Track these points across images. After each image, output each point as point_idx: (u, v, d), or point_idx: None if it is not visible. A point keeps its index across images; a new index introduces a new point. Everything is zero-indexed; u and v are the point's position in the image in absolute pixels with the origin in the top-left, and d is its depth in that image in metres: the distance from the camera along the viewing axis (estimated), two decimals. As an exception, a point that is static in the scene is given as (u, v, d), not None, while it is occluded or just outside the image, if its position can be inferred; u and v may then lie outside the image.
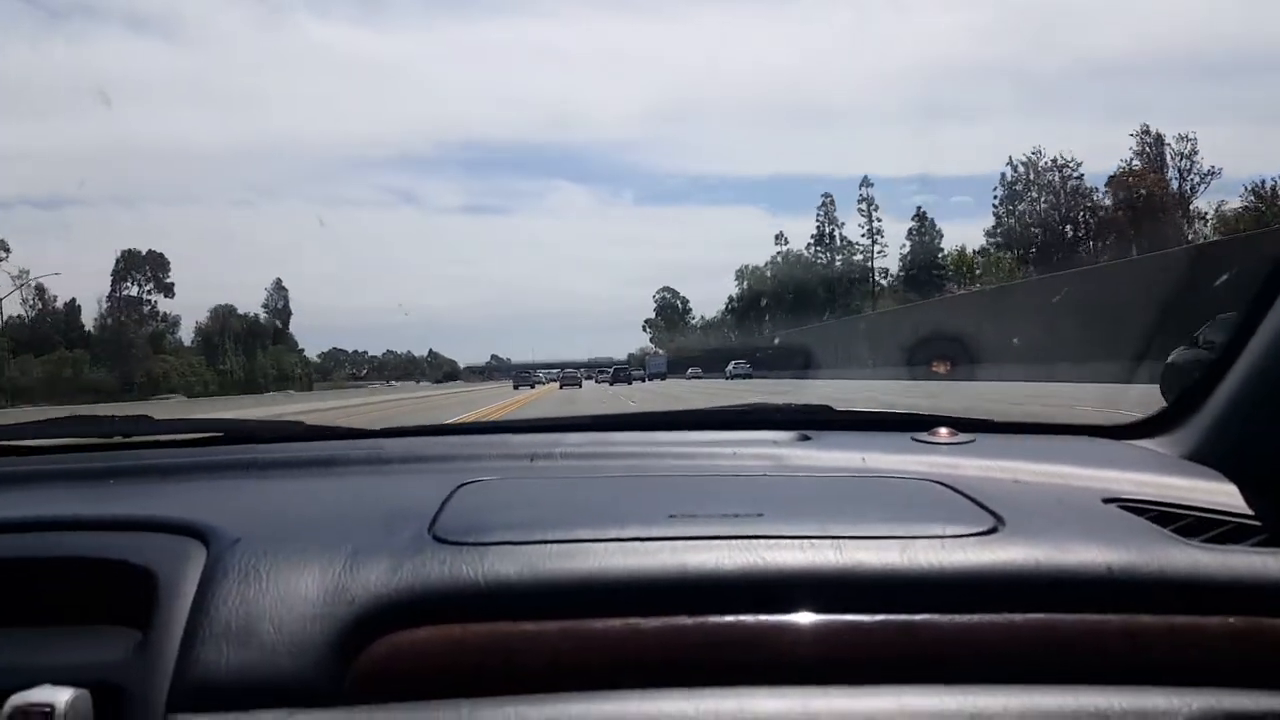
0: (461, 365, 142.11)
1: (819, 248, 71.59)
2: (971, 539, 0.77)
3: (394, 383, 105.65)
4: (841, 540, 0.76)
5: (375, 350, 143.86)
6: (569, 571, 0.74)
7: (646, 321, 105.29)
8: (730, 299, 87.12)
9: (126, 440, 1.17)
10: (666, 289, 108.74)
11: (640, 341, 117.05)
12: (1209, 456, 0.95)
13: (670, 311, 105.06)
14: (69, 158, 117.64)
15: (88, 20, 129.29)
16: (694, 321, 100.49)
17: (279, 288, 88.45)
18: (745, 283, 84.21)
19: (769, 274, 79.92)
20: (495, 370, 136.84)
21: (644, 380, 67.30)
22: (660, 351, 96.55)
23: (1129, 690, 0.69)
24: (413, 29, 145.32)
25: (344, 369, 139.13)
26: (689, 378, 62.23)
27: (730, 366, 55.82)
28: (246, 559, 0.77)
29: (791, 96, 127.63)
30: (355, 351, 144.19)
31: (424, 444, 1.13)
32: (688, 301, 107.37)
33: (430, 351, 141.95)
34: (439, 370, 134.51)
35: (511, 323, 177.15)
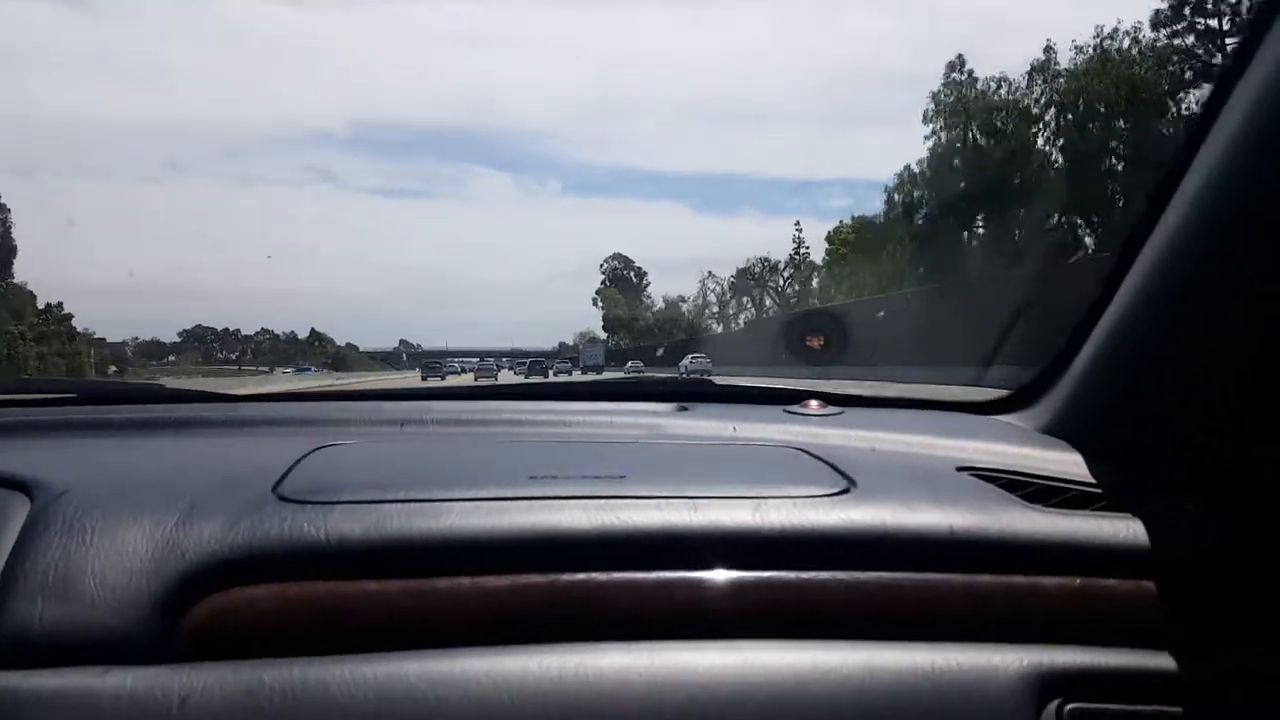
0: (362, 349, 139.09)
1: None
2: (823, 499, 0.86)
3: (273, 370, 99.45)
4: (697, 500, 0.84)
5: (256, 329, 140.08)
6: (417, 530, 0.78)
7: (598, 294, 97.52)
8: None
9: None
10: (618, 256, 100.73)
11: (580, 327, 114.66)
12: (1060, 430, 1.08)
13: (624, 285, 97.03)
14: None
15: None
16: (649, 299, 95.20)
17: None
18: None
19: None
20: (401, 357, 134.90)
21: (569, 373, 66.14)
22: (600, 338, 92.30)
23: (966, 647, 0.77)
24: (333, 6, 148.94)
25: (193, 352, 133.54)
26: (628, 372, 61.16)
27: (687, 361, 50.51)
28: (72, 512, 0.79)
29: (716, 96, 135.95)
30: (225, 330, 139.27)
31: (289, 408, 1.20)
32: (644, 274, 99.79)
33: (312, 332, 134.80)
34: (321, 355, 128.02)
35: (428, 310, 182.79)
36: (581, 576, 0.78)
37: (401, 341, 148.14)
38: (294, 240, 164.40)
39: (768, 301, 69.81)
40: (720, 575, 0.79)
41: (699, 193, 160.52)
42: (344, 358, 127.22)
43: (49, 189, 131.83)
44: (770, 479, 0.91)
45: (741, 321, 71.50)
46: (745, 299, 73.84)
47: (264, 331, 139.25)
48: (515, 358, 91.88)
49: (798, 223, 78.45)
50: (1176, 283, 0.88)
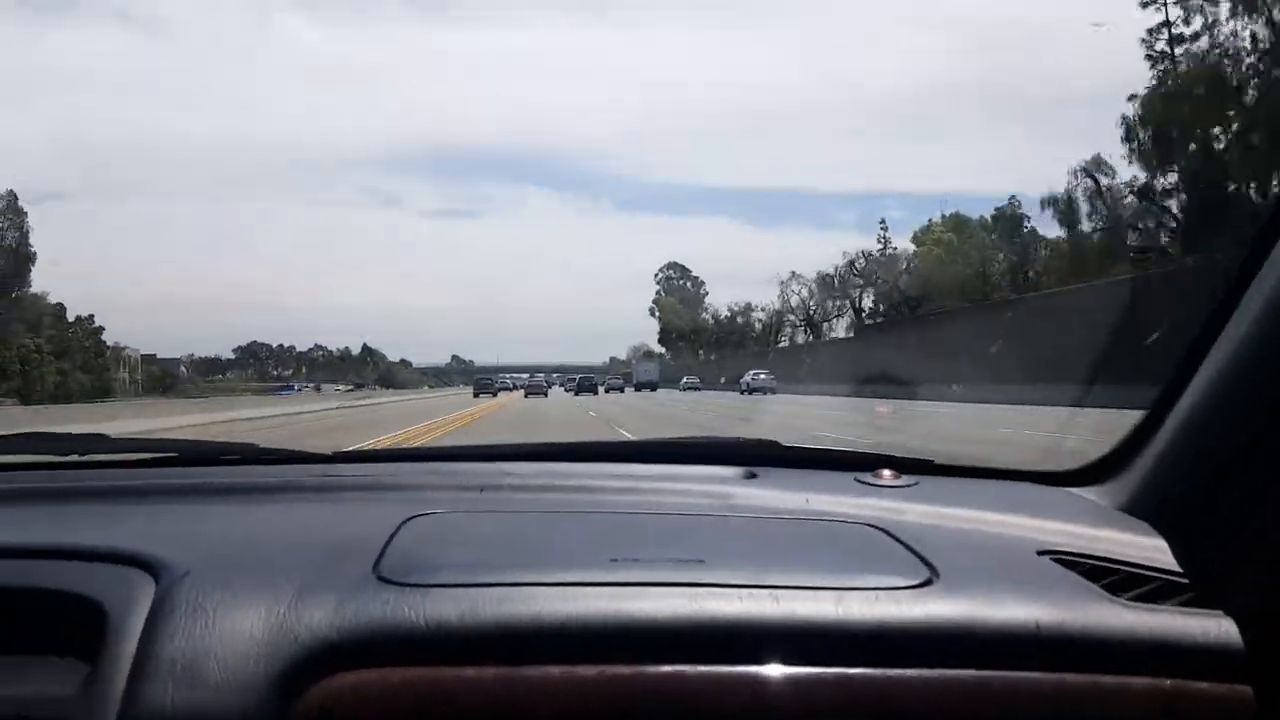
0: (415, 365, 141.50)
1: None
2: (906, 592, 0.86)
3: (324, 388, 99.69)
4: (779, 590, 0.86)
5: (310, 345, 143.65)
6: (509, 616, 0.83)
7: (655, 303, 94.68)
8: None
9: (83, 459, 1.33)
10: (674, 265, 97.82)
11: (633, 340, 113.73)
12: (1141, 509, 1.07)
13: (681, 295, 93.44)
14: (50, 150, 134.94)
15: (78, 12, 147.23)
16: (710, 306, 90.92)
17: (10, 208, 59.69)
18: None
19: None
20: (455, 374, 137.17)
21: (621, 390, 65.10)
22: (656, 352, 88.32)
23: None
24: (395, 33, 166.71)
25: (248, 369, 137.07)
26: (683, 389, 59.13)
27: (748, 377, 48.37)
28: (194, 594, 0.85)
29: (767, 111, 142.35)
30: (280, 346, 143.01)
31: (376, 471, 1.29)
32: (702, 282, 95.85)
33: (364, 348, 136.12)
34: (372, 372, 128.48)
35: (481, 326, 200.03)
36: (668, 669, 0.80)
37: (454, 357, 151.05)
38: (353, 258, 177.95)
39: (866, 302, 64.23)
40: (804, 672, 0.81)
41: (747, 208, 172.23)
42: (394, 374, 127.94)
43: (125, 207, 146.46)
44: (850, 566, 0.92)
45: (842, 327, 66.67)
46: (841, 302, 68.12)
47: (317, 347, 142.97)
48: (565, 374, 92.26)
49: (883, 221, 72.03)
50: (1274, 354, 0.87)
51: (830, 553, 0.98)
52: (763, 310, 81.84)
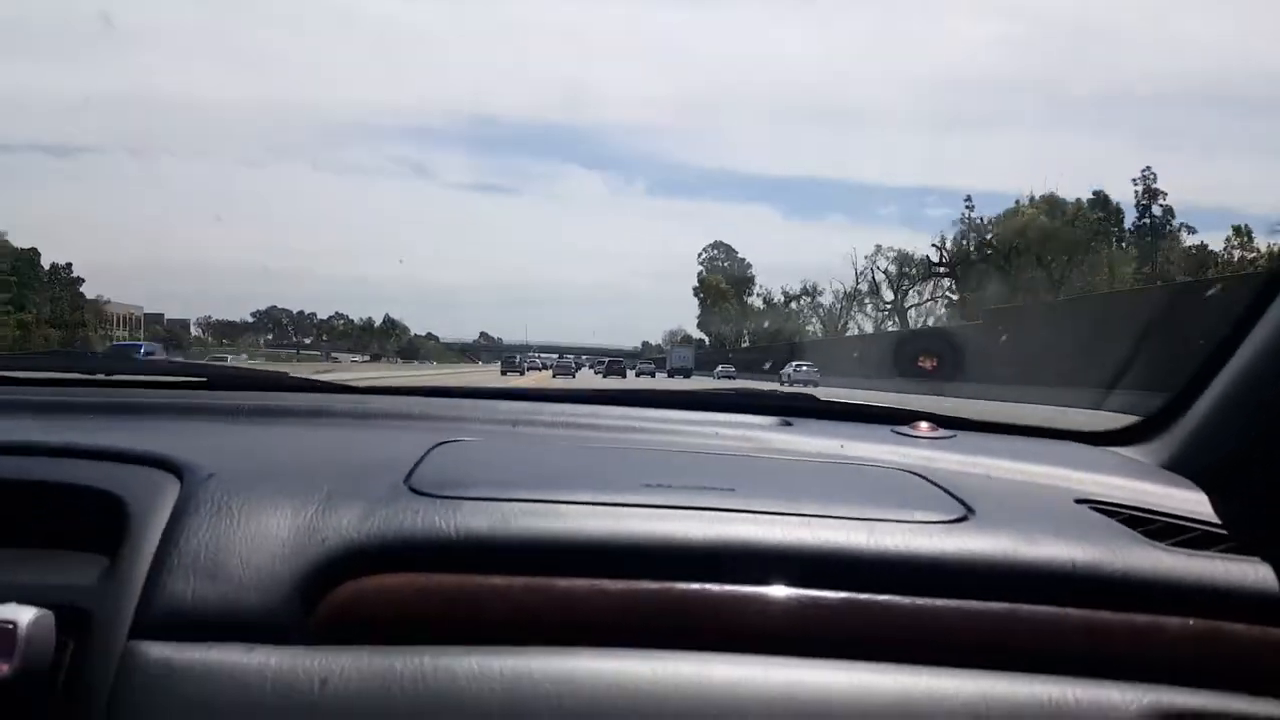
0: (441, 340, 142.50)
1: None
2: (939, 526, 0.88)
3: (340, 357, 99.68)
4: (810, 519, 0.87)
5: (331, 313, 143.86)
6: (539, 530, 0.85)
7: (700, 284, 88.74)
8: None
9: (109, 378, 1.38)
10: (719, 245, 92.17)
11: (668, 326, 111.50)
12: (1183, 465, 1.10)
13: (726, 278, 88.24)
14: (81, 103, 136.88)
15: None
16: (761, 290, 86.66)
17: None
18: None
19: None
20: (482, 350, 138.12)
21: (651, 375, 64.69)
22: (693, 338, 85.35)
23: (1085, 682, 0.79)
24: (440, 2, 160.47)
25: (266, 333, 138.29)
26: (717, 377, 57.43)
27: (789, 369, 46.53)
28: (220, 494, 0.87)
29: (813, 97, 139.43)
30: (300, 313, 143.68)
31: (409, 403, 1.32)
32: (748, 265, 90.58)
33: (386, 318, 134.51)
34: (394, 344, 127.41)
35: (510, 306, 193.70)
36: (695, 586, 0.82)
37: (482, 334, 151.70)
38: (383, 229, 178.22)
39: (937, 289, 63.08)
40: (832, 595, 0.83)
41: (787, 196, 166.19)
42: (417, 347, 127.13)
43: (158, 168, 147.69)
44: (884, 501, 0.94)
45: (915, 316, 65.02)
46: (916, 291, 65.98)
47: (338, 315, 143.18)
48: (595, 356, 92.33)
49: (968, 199, 63.42)
50: None
51: (863, 490, 1.00)
52: (827, 293, 77.14)
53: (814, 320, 78.54)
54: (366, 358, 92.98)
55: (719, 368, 64.52)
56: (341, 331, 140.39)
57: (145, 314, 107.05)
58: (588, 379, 51.03)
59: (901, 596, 0.83)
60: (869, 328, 68.36)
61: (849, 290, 72.88)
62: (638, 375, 62.99)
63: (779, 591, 0.83)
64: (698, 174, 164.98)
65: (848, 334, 68.47)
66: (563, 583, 0.82)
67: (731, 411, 1.35)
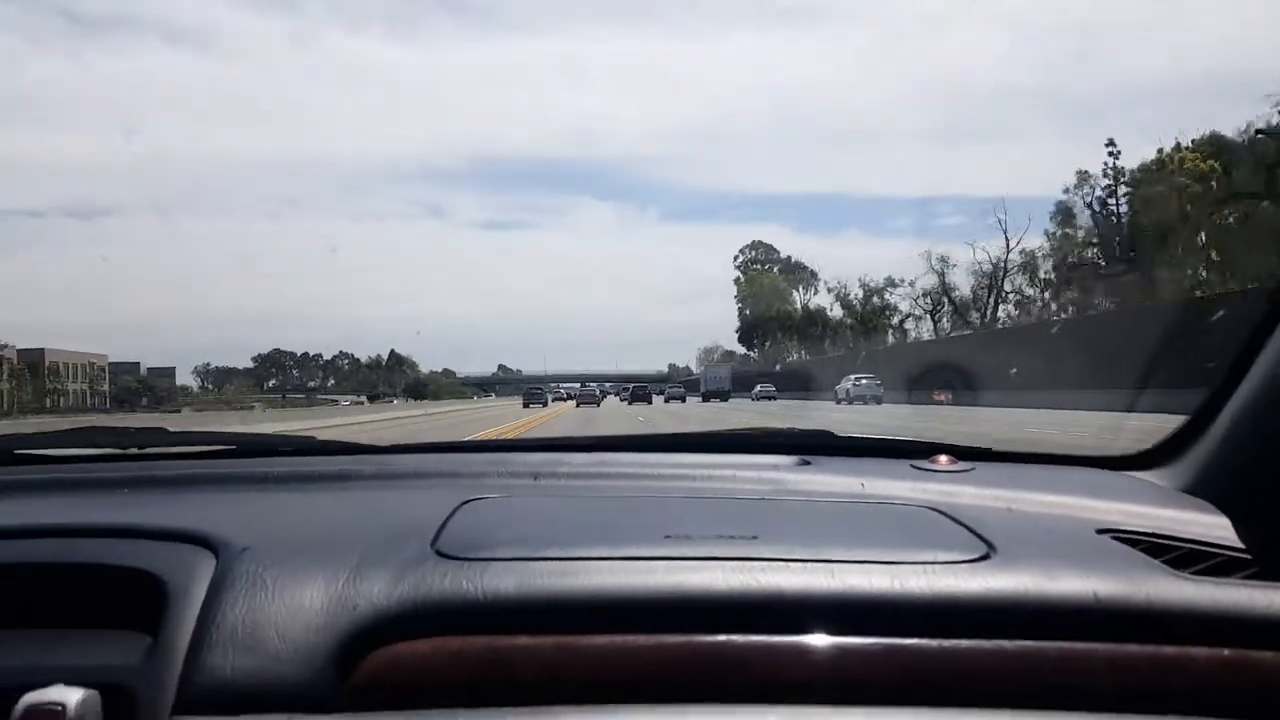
0: (459, 375, 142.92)
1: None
2: (962, 565, 0.92)
3: (339, 399, 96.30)
4: (833, 564, 0.91)
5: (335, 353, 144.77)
6: (565, 588, 0.89)
7: (738, 285, 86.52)
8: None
9: (142, 451, 1.48)
10: (756, 245, 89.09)
11: (700, 347, 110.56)
12: (1203, 490, 1.15)
13: (766, 281, 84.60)
14: (104, 169, 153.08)
15: (124, 33, 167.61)
16: (826, 288, 79.36)
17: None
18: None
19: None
20: (500, 384, 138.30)
21: (682, 400, 63.08)
22: (738, 354, 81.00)
23: (1112, 717, 0.82)
24: (442, 45, 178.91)
25: (269, 378, 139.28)
26: (756, 398, 55.60)
27: (848, 383, 44.09)
28: (254, 568, 0.94)
29: (818, 114, 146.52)
30: (305, 355, 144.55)
31: (432, 461, 1.41)
32: (801, 267, 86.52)
33: (392, 354, 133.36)
34: (401, 380, 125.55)
35: (528, 336, 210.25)
36: (722, 639, 0.86)
37: (500, 367, 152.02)
38: (400, 270, 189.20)
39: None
40: (858, 642, 0.86)
41: (800, 214, 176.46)
42: (425, 384, 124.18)
43: (181, 227, 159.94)
44: (905, 542, 0.98)
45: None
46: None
47: (342, 355, 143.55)
48: (619, 383, 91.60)
49: (1111, 142, 54.98)
50: None
51: (885, 531, 1.04)
52: (901, 288, 69.80)
53: (889, 326, 72.64)
54: (362, 399, 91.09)
55: (757, 387, 60.32)
56: (346, 372, 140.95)
57: (112, 363, 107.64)
58: (612, 407, 50.74)
59: (928, 640, 0.86)
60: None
61: (936, 290, 65.65)
62: (667, 401, 61.71)
63: (806, 640, 0.86)
64: (709, 198, 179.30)
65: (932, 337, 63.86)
66: (591, 640, 0.86)
67: (749, 452, 1.42)
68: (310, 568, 0.94)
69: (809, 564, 0.92)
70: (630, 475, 1.32)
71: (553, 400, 68.32)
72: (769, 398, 56.42)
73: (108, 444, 1.51)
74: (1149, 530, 1.05)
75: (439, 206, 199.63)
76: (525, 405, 54.85)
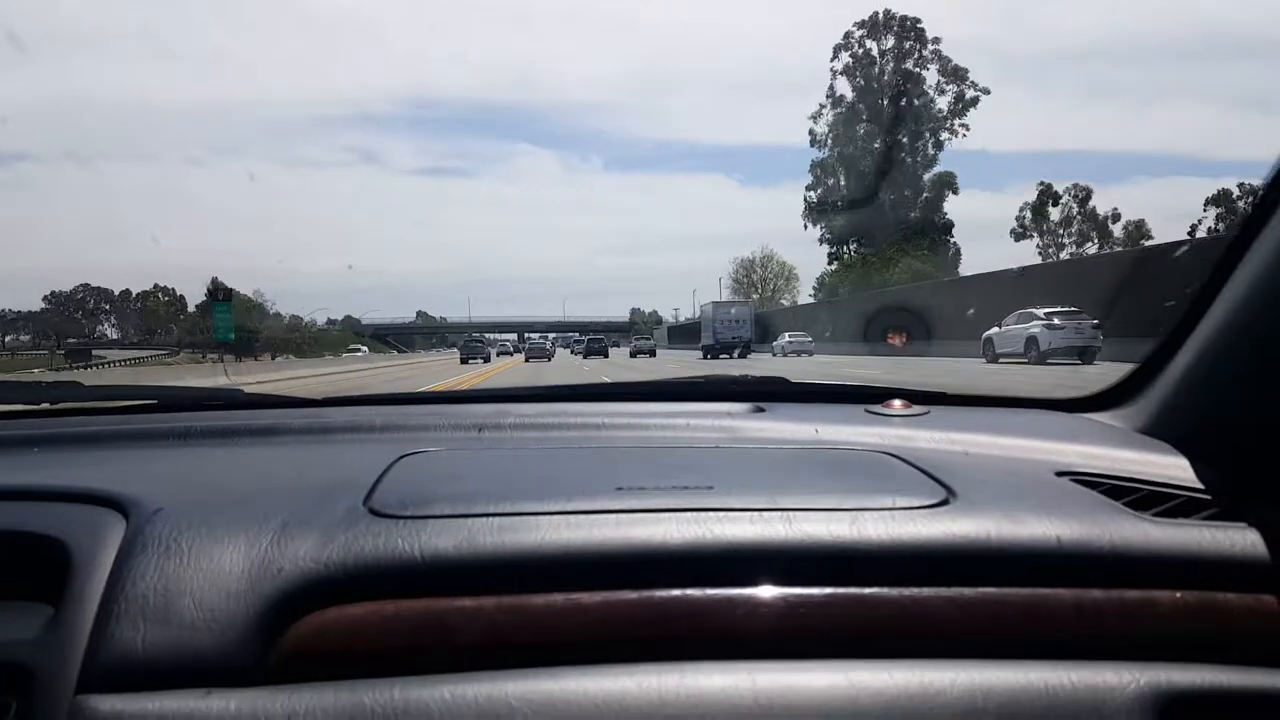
0: (365, 322, 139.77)
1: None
2: (921, 511, 1.03)
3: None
4: (790, 513, 1.01)
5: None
6: (509, 545, 0.97)
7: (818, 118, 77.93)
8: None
9: (54, 408, 1.61)
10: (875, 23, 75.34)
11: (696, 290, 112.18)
12: (1162, 430, 1.30)
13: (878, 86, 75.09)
14: (20, 111, 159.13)
15: None
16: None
17: None
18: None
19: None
20: (419, 333, 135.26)
21: (651, 354, 58.09)
22: (744, 299, 71.91)
23: (1079, 665, 0.92)
24: None
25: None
26: (784, 354, 47.87)
27: (784, 339, 47.43)
28: (168, 531, 0.98)
29: (764, 66, 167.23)
30: (124, 293, 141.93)
31: (368, 413, 1.54)
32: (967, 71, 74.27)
33: (214, 290, 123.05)
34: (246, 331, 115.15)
35: (469, 287, 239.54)
36: (676, 593, 0.94)
37: (419, 314, 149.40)
38: (332, 219, 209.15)
39: None
40: (817, 592, 0.95)
41: (744, 165, 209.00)
42: (255, 333, 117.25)
43: (101, 173, 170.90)
44: (863, 488, 1.09)
45: None
46: None
47: (160, 290, 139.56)
48: (568, 331, 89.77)
49: None
50: None
51: (842, 478, 1.16)
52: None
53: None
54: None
55: (785, 337, 51.56)
56: (165, 317, 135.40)
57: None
58: (565, 361, 49.09)
59: (888, 589, 0.95)
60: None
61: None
62: (633, 355, 57.74)
63: (763, 592, 0.94)
64: (653, 146, 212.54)
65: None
66: (537, 599, 0.93)
67: (703, 400, 1.61)
68: (231, 529, 0.99)
69: (764, 513, 1.01)
70: (579, 426, 1.46)
71: (498, 355, 67.19)
72: (802, 352, 48.13)
73: (18, 399, 1.63)
74: (1108, 472, 1.19)
75: (373, 152, 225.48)
76: (463, 361, 53.11)
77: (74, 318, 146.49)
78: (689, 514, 1.00)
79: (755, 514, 1.01)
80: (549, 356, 57.02)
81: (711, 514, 1.00)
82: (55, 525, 1.00)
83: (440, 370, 38.05)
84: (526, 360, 53.21)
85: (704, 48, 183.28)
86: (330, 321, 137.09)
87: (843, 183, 77.58)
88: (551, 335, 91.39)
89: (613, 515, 1.00)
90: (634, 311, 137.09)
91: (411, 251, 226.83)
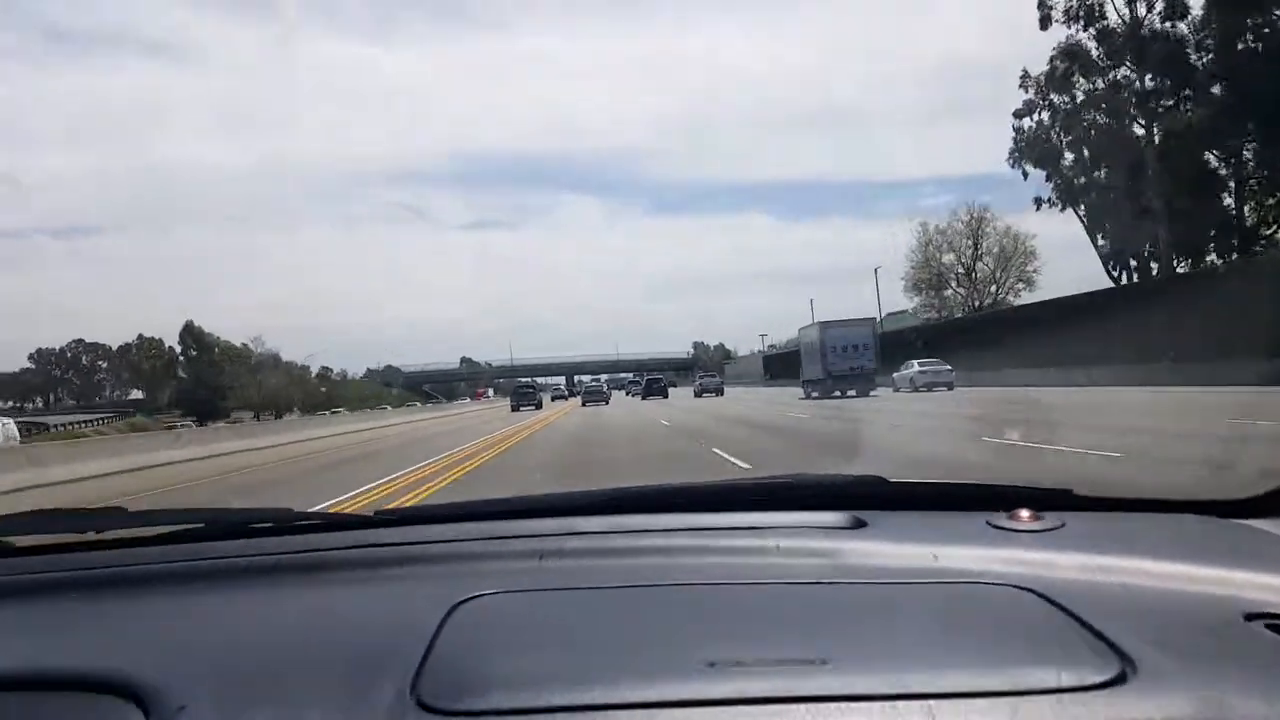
0: (404, 372, 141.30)
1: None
2: (1098, 694, 0.90)
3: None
4: (931, 701, 0.89)
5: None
6: None
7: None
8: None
9: (99, 539, 1.58)
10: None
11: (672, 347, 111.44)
12: None
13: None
14: (89, 186, 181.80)
15: (102, 48, 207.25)
16: None
17: None
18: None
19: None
20: (462, 379, 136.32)
21: (718, 392, 57.17)
22: (864, 318, 50.14)
23: None
24: (422, 45, 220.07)
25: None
26: (916, 386, 42.36)
27: (911, 370, 41.64)
28: None
29: (800, 101, 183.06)
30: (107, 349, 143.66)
31: (419, 535, 1.51)
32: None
33: (189, 330, 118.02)
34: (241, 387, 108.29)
35: (519, 333, 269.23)
36: None
37: (463, 360, 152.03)
38: (378, 275, 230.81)
39: None
40: None
41: (783, 200, 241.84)
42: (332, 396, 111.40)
43: (169, 239, 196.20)
44: (1015, 655, 0.97)
45: None
46: None
47: (146, 341, 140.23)
48: (615, 372, 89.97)
49: None
50: None
51: (982, 635, 1.04)
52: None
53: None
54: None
55: (913, 365, 45.12)
56: (154, 375, 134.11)
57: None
58: (627, 407, 48.64)
59: None
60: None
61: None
62: (698, 395, 57.25)
63: None
64: (692, 189, 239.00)
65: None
66: None
67: (789, 509, 1.51)
68: None
69: (897, 702, 0.89)
70: (654, 550, 1.38)
71: (552, 399, 67.26)
72: (938, 383, 42.28)
73: (64, 528, 1.62)
74: None
75: (420, 209, 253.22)
76: (514, 409, 54.60)
77: (64, 377, 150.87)
78: (802, 706, 0.89)
79: (886, 705, 0.89)
80: (605, 399, 58.43)
81: (831, 705, 0.89)
82: None
83: (461, 424, 35.38)
84: (584, 404, 55.47)
85: (737, 87, 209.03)
86: (371, 371, 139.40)
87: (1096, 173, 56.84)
88: (604, 377, 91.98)
89: (708, 710, 0.90)
90: (697, 346, 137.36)
91: (458, 301, 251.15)
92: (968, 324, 58.58)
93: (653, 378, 67.28)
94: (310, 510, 1.74)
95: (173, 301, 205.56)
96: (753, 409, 35.76)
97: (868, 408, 31.54)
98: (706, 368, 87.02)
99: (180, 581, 1.41)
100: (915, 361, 45.29)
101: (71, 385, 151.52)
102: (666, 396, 59.55)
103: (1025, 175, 61.15)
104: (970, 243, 71.85)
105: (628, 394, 72.74)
